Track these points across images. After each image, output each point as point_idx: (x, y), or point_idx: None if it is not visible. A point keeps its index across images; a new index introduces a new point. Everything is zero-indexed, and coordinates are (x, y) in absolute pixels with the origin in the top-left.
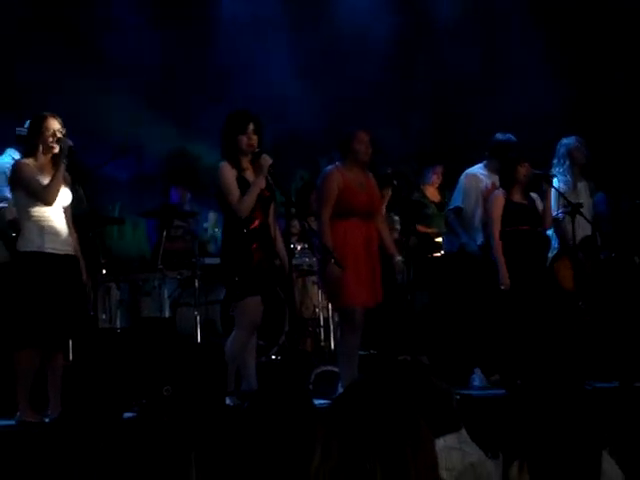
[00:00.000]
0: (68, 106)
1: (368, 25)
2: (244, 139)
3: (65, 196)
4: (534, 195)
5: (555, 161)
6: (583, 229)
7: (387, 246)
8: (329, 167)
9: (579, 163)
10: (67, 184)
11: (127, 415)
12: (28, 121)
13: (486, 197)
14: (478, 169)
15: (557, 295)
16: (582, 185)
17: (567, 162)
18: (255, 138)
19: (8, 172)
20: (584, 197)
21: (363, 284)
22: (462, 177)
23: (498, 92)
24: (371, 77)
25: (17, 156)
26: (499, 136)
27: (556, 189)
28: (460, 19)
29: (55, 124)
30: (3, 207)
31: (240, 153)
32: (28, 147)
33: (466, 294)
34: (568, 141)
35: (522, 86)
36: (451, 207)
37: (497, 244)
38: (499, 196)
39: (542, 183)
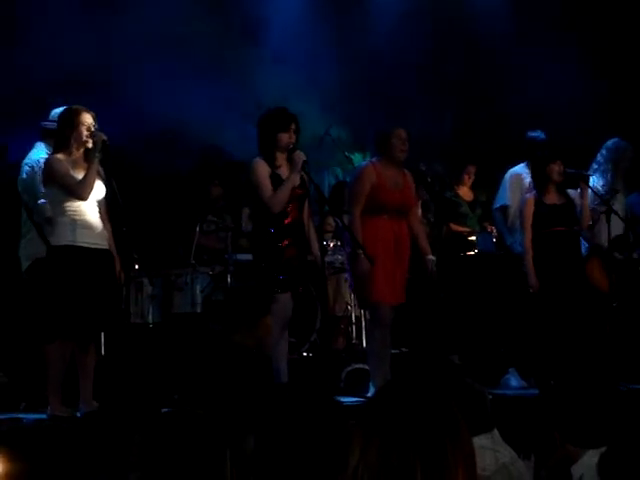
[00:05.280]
0: None
1: (400, 23)
2: (285, 137)
3: (99, 190)
4: (573, 193)
5: (599, 160)
6: (614, 229)
7: (421, 245)
8: (364, 163)
9: (624, 168)
10: (101, 178)
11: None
12: (53, 112)
13: None
14: (521, 168)
15: (591, 295)
16: (620, 187)
17: (611, 165)
18: (294, 137)
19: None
20: (619, 199)
21: (390, 282)
22: (507, 176)
23: (531, 90)
24: (404, 74)
25: (47, 150)
26: (529, 134)
27: (592, 188)
28: (492, 14)
29: (89, 118)
30: (43, 203)
31: (277, 150)
32: (60, 141)
33: (504, 294)
34: (619, 145)
35: (555, 83)
36: (497, 206)
37: (527, 247)
38: (529, 199)
39: (578, 182)
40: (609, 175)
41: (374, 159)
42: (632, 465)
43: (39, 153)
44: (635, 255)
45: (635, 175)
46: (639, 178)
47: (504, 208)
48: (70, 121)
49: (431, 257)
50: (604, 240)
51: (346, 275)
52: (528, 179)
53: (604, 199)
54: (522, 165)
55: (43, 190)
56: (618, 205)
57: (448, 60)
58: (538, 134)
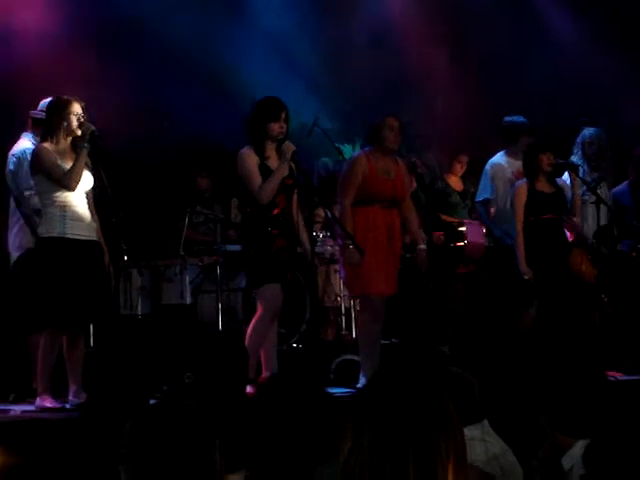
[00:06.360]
0: None
1: (394, 10)
2: (276, 126)
3: (87, 180)
4: (561, 182)
5: (573, 150)
6: (595, 220)
7: (413, 234)
8: (357, 152)
9: (591, 153)
10: (89, 169)
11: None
12: (42, 103)
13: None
14: (500, 158)
15: (579, 286)
16: (599, 174)
17: (581, 152)
18: (285, 126)
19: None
20: (603, 188)
21: (382, 272)
22: (486, 168)
23: (526, 79)
24: (397, 61)
25: (33, 140)
26: (507, 119)
27: (581, 179)
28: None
29: (78, 108)
30: (30, 194)
31: (267, 139)
32: (48, 130)
33: (494, 285)
34: (585, 132)
35: (552, 71)
36: (479, 199)
37: (518, 234)
38: (521, 186)
39: (566, 172)
40: (583, 165)
41: (367, 149)
42: (616, 455)
43: (25, 143)
44: (620, 246)
45: (621, 166)
46: (625, 169)
47: (486, 202)
48: (59, 110)
49: (422, 247)
50: (591, 230)
51: (336, 266)
52: (510, 169)
53: (591, 187)
54: (500, 154)
55: (31, 181)
56: (602, 195)
57: (445, 45)
58: (518, 118)
